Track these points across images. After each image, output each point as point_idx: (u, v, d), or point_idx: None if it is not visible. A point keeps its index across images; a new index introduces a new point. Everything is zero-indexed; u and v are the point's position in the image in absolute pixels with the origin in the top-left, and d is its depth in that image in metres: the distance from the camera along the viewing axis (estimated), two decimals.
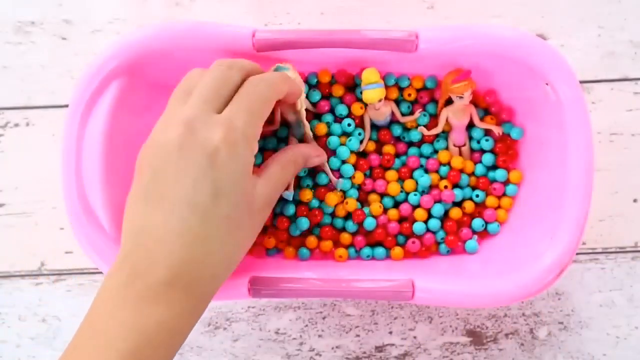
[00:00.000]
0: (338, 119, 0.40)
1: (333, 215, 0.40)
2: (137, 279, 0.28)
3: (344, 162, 0.40)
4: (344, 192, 0.40)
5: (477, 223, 0.40)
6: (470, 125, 0.40)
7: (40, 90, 0.46)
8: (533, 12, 0.46)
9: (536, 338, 0.45)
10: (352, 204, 0.39)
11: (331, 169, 0.39)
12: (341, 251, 0.40)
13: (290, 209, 0.39)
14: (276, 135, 0.40)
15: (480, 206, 0.41)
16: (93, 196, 0.35)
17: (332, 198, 0.39)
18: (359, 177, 0.40)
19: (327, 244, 0.40)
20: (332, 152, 0.40)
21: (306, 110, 0.38)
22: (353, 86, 0.40)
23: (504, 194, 0.40)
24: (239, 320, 0.45)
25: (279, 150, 0.35)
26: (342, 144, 0.40)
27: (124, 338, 0.27)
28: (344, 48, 0.35)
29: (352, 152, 0.40)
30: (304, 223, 0.39)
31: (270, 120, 0.39)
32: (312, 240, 0.40)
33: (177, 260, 0.28)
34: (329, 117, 0.40)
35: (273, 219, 0.40)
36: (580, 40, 0.45)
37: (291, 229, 0.40)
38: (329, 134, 0.40)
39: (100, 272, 0.45)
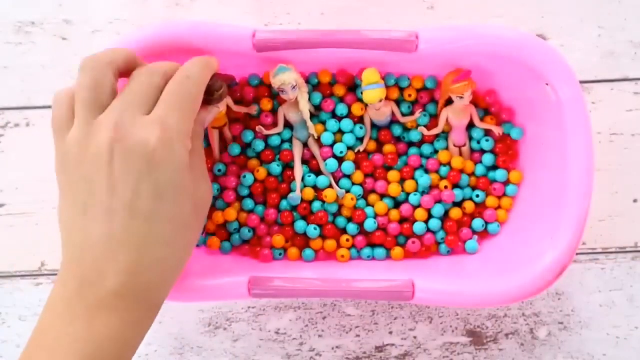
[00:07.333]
0: (337, 118, 0.40)
1: (335, 214, 0.40)
2: (85, 292, 0.27)
3: (342, 159, 0.40)
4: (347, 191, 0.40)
5: (477, 223, 0.40)
6: (470, 125, 0.40)
7: (40, 90, 0.46)
8: (533, 12, 0.46)
9: (536, 338, 0.45)
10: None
11: (330, 171, 0.40)
12: (343, 251, 0.40)
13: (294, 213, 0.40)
14: (280, 136, 0.40)
15: (480, 206, 0.41)
16: None
17: (331, 194, 0.39)
18: (359, 176, 0.40)
19: (331, 243, 0.40)
20: (329, 152, 0.40)
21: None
22: (353, 86, 0.40)
23: (504, 194, 0.40)
24: (239, 320, 0.45)
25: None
26: (337, 141, 0.40)
27: (75, 353, 0.27)
28: (344, 48, 0.35)
29: (349, 148, 0.40)
30: (312, 232, 0.39)
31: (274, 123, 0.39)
32: (317, 242, 0.40)
33: (125, 269, 0.28)
34: (325, 115, 0.40)
35: (277, 215, 0.40)
36: (580, 40, 0.45)
37: (296, 226, 0.40)
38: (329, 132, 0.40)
39: None
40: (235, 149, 0.40)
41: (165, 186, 0.28)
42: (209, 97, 0.34)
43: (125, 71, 0.31)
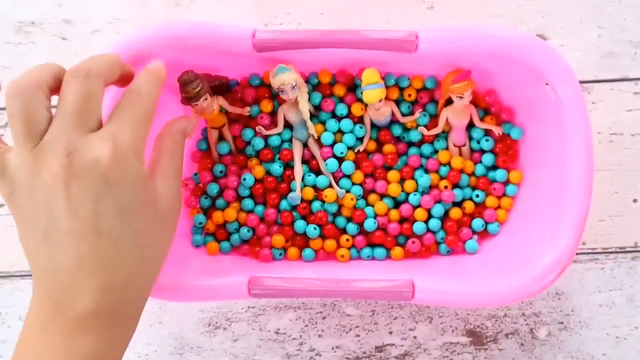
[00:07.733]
0: (337, 118, 0.40)
1: (335, 214, 0.40)
2: (60, 315, 0.27)
3: (342, 159, 0.40)
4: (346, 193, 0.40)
5: (477, 223, 0.40)
6: (470, 126, 0.40)
7: None
8: (533, 12, 0.46)
9: (536, 338, 0.45)
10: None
11: (330, 171, 0.40)
12: (343, 251, 0.40)
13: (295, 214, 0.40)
14: (280, 137, 0.40)
15: (480, 206, 0.41)
16: None
17: (332, 194, 0.39)
18: (359, 176, 0.40)
19: (331, 243, 0.40)
20: (329, 152, 0.40)
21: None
22: (353, 86, 0.40)
23: (504, 194, 0.40)
24: (239, 320, 0.45)
25: (158, 138, 0.32)
26: (337, 141, 0.40)
27: None
28: (344, 48, 0.35)
29: (349, 148, 0.40)
30: (312, 232, 0.39)
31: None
32: (317, 242, 0.40)
33: (98, 289, 0.28)
34: (325, 115, 0.40)
35: (277, 215, 0.40)
36: (580, 41, 0.45)
37: (296, 226, 0.40)
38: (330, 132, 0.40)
39: None
40: (224, 148, 0.40)
41: (126, 202, 0.28)
42: (185, 95, 0.34)
43: (56, 88, 0.29)
